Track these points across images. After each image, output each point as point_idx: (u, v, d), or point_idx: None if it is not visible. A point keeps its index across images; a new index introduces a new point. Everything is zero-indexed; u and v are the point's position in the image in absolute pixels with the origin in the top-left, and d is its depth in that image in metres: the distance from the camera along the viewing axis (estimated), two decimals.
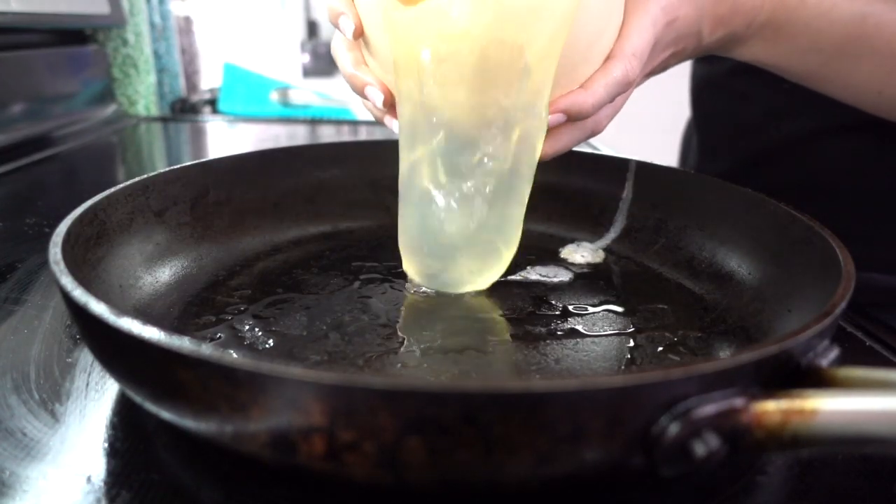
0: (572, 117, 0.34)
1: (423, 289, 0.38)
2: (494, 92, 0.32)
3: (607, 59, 0.34)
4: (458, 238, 0.35)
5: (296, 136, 0.93)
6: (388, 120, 0.36)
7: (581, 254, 0.43)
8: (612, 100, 0.34)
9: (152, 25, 1.00)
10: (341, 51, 0.36)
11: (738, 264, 0.38)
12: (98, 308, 0.22)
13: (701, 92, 0.63)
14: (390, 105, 0.35)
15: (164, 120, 0.99)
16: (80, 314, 0.23)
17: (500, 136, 0.33)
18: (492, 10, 0.30)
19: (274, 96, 1.09)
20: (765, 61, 0.42)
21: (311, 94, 1.08)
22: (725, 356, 0.33)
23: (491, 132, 0.33)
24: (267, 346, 0.32)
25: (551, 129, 0.34)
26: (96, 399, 0.29)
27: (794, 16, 0.38)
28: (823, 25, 0.39)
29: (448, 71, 0.32)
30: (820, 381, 0.22)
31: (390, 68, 0.34)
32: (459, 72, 0.32)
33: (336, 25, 0.35)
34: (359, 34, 0.34)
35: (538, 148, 0.34)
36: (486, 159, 0.34)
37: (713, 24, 0.38)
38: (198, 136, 0.96)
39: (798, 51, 0.40)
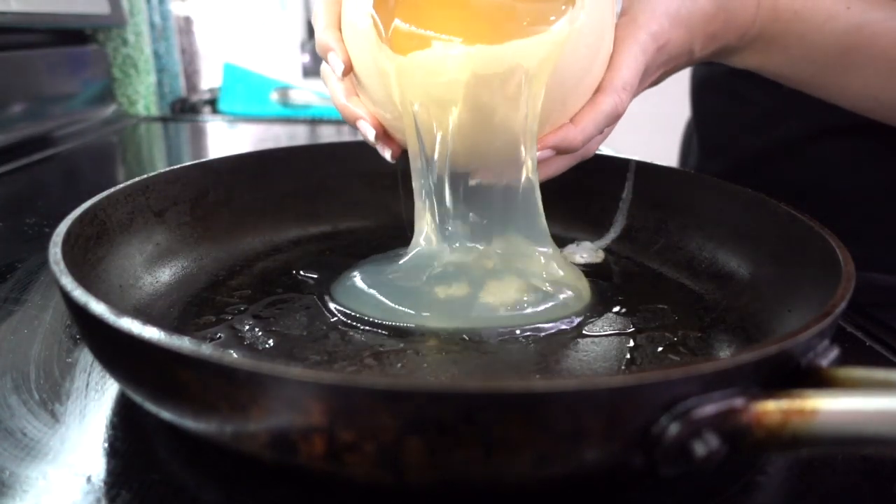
0: (562, 152, 0.34)
1: None
2: (487, 129, 0.33)
3: (597, 91, 0.34)
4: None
5: (296, 136, 0.93)
6: (380, 148, 0.36)
7: (581, 254, 0.43)
8: (601, 132, 0.35)
9: (152, 25, 1.00)
10: (332, 79, 0.36)
11: (738, 264, 0.38)
12: (98, 308, 0.22)
13: (701, 92, 0.63)
14: (382, 135, 0.35)
15: (164, 120, 0.99)
16: (80, 314, 0.23)
17: (496, 168, 0.34)
18: (480, 60, 0.31)
19: (274, 96, 1.09)
20: (758, 69, 0.42)
21: (311, 94, 1.08)
22: (725, 356, 0.33)
23: (487, 166, 0.34)
24: (267, 346, 0.32)
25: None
26: (96, 399, 0.29)
27: (787, 28, 0.38)
28: (817, 38, 0.38)
29: (441, 111, 0.33)
30: (820, 381, 0.22)
31: (380, 103, 0.34)
32: (451, 112, 0.33)
33: (325, 60, 0.35)
34: (348, 72, 0.34)
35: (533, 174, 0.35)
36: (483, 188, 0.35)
37: (705, 41, 0.37)
38: (198, 136, 0.96)
39: (792, 61, 0.40)
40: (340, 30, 0.34)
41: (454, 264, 0.36)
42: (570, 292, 0.36)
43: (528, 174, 0.34)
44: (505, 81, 0.32)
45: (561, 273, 0.37)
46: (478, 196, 0.36)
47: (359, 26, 0.33)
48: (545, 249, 0.37)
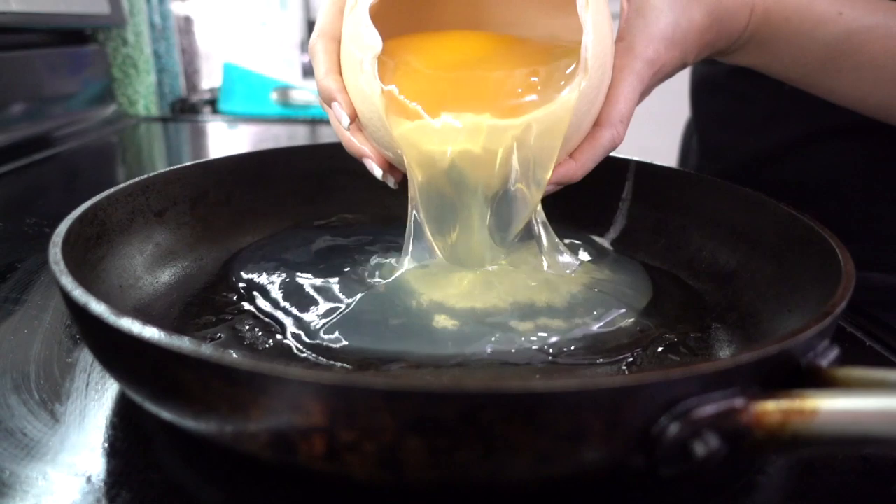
0: (563, 185, 0.35)
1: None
2: (492, 180, 0.34)
3: (595, 124, 0.34)
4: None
5: (296, 136, 0.93)
6: (385, 177, 0.36)
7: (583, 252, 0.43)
8: (599, 162, 0.35)
9: (152, 25, 1.00)
10: (334, 115, 0.36)
11: (738, 264, 0.38)
12: (98, 308, 0.22)
13: (700, 92, 0.63)
14: (388, 168, 0.36)
15: (164, 120, 0.99)
16: (80, 314, 0.23)
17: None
18: (490, 133, 0.32)
19: (274, 96, 1.09)
20: (747, 66, 0.42)
21: (311, 94, 1.08)
22: (725, 356, 0.33)
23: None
24: (267, 346, 0.32)
25: None
26: (96, 399, 0.29)
27: (777, 33, 0.38)
28: (806, 43, 0.39)
29: (445, 171, 0.33)
30: (820, 381, 0.22)
31: (382, 144, 0.34)
32: (460, 170, 0.33)
33: (327, 107, 0.35)
34: (353, 120, 0.34)
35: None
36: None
37: (698, 52, 0.38)
38: (198, 136, 0.96)
39: (781, 62, 0.40)
40: (341, 73, 0.34)
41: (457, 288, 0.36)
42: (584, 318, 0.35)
43: (535, 219, 0.35)
44: (513, 149, 0.32)
45: (568, 294, 0.37)
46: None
47: (366, 91, 0.33)
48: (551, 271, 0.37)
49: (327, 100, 0.34)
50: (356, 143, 0.35)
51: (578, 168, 0.34)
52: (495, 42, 0.37)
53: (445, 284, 0.35)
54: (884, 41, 0.38)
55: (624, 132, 0.34)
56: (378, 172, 0.35)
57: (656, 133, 1.18)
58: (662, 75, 0.36)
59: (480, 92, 0.33)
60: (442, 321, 0.33)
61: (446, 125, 0.32)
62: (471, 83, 0.34)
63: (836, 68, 0.40)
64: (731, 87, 0.58)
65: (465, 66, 0.35)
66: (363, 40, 0.32)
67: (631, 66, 0.34)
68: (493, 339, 0.32)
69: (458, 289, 0.35)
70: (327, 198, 0.47)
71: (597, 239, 0.45)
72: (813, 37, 0.38)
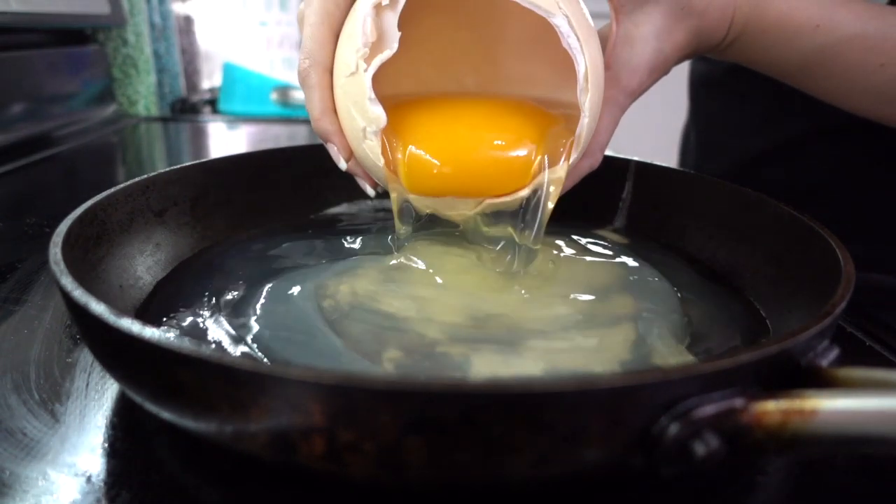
0: None
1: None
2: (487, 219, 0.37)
3: None
4: None
5: (296, 136, 0.93)
6: (362, 184, 0.37)
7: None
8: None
9: (152, 25, 1.00)
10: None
11: (738, 264, 0.38)
12: (98, 308, 0.22)
13: (699, 91, 0.63)
14: (371, 182, 0.37)
15: (164, 120, 0.99)
16: (80, 314, 0.23)
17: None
18: (489, 206, 0.35)
19: (274, 96, 1.09)
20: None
21: None
22: (725, 356, 0.33)
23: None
24: None
25: None
26: (96, 399, 0.29)
27: (753, 45, 0.39)
28: (782, 53, 0.40)
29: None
30: (820, 381, 0.22)
31: (375, 175, 0.36)
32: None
33: (322, 141, 0.35)
34: (349, 160, 0.35)
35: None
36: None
37: (677, 63, 0.39)
38: (198, 136, 0.96)
39: (757, 66, 0.42)
40: (335, 110, 0.34)
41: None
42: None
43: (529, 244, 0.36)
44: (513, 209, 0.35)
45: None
46: None
47: (369, 156, 0.34)
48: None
49: (323, 139, 0.35)
50: (351, 167, 0.36)
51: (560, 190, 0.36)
52: (491, 110, 0.38)
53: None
54: (856, 54, 0.39)
55: (601, 157, 0.37)
56: (372, 193, 0.37)
57: (656, 133, 1.18)
58: (640, 95, 0.38)
59: (477, 176, 0.35)
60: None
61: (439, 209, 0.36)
62: (469, 167, 0.35)
63: (810, 76, 0.41)
64: (728, 87, 0.58)
65: (463, 146, 0.35)
66: (366, 111, 0.32)
67: (615, 99, 0.36)
68: None
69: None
70: (327, 198, 0.47)
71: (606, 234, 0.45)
72: (789, 47, 0.39)
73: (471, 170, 0.35)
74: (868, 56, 0.39)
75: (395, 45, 0.32)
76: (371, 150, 0.33)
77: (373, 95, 0.32)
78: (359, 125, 0.33)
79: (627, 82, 0.36)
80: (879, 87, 0.40)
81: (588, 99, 0.32)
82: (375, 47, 0.32)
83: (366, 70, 0.31)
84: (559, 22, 0.31)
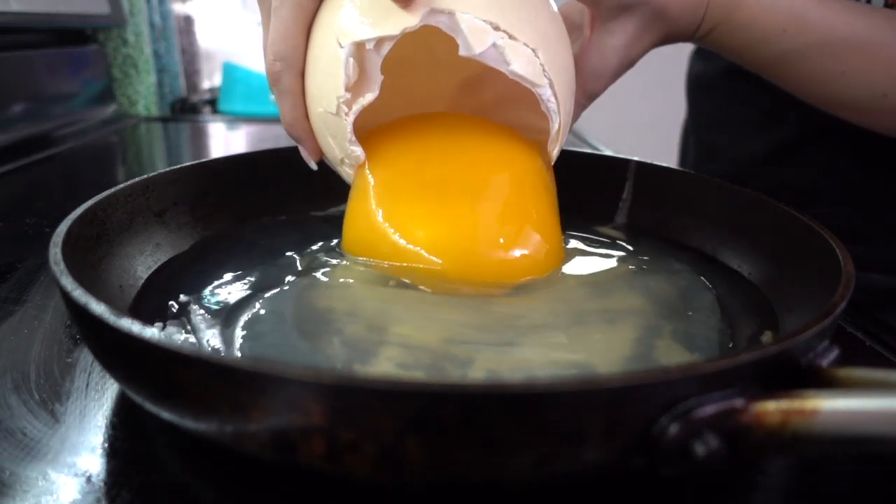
0: None
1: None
2: None
3: None
4: None
5: None
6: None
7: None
8: None
9: (152, 25, 1.00)
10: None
11: (738, 264, 0.38)
12: (98, 308, 0.22)
13: (697, 91, 0.63)
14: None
15: (164, 120, 0.99)
16: (80, 314, 0.23)
17: None
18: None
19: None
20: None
21: None
22: (725, 356, 0.33)
23: None
24: None
25: None
26: (96, 399, 0.29)
27: (720, 43, 0.40)
28: (747, 55, 0.41)
29: None
30: (820, 381, 0.22)
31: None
32: None
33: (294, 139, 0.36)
34: (319, 161, 0.36)
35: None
36: None
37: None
38: (198, 136, 0.96)
39: (730, 59, 0.43)
40: (307, 114, 0.34)
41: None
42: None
43: None
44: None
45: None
46: None
47: (346, 172, 0.36)
48: None
49: (295, 140, 0.36)
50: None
51: None
52: (466, 140, 0.37)
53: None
54: (820, 60, 0.40)
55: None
56: (314, 165, 0.37)
57: (656, 133, 1.18)
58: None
59: (452, 222, 0.34)
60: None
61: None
62: (472, 268, 0.34)
63: (778, 77, 0.42)
64: (728, 87, 0.58)
65: (440, 181, 0.35)
66: (346, 149, 0.33)
67: (578, 102, 0.37)
68: None
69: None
70: (328, 198, 0.47)
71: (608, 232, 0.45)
72: (754, 50, 0.40)
73: (475, 270, 0.34)
74: (830, 63, 0.39)
75: (377, 90, 0.31)
76: (346, 175, 0.35)
77: (353, 138, 0.32)
78: (336, 154, 0.34)
79: (592, 88, 0.37)
80: (838, 93, 0.41)
81: (557, 147, 0.34)
82: (356, 86, 0.31)
83: (347, 114, 0.31)
84: (542, 91, 0.32)
